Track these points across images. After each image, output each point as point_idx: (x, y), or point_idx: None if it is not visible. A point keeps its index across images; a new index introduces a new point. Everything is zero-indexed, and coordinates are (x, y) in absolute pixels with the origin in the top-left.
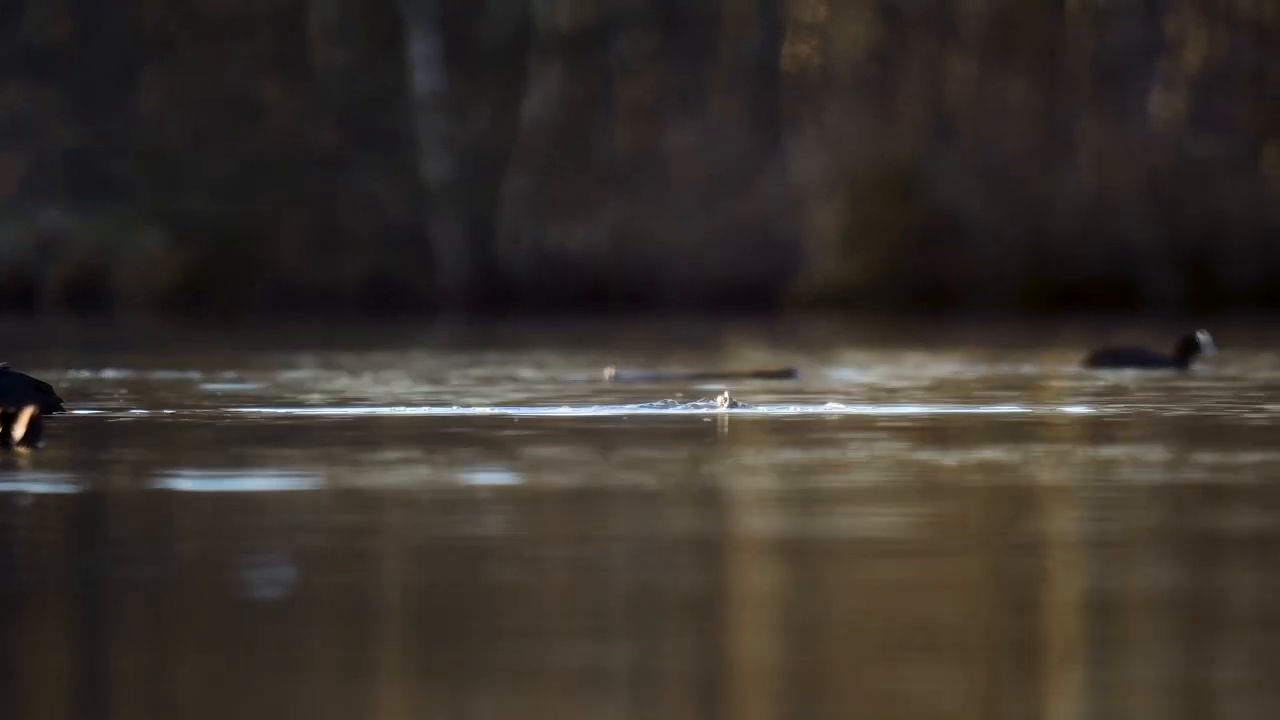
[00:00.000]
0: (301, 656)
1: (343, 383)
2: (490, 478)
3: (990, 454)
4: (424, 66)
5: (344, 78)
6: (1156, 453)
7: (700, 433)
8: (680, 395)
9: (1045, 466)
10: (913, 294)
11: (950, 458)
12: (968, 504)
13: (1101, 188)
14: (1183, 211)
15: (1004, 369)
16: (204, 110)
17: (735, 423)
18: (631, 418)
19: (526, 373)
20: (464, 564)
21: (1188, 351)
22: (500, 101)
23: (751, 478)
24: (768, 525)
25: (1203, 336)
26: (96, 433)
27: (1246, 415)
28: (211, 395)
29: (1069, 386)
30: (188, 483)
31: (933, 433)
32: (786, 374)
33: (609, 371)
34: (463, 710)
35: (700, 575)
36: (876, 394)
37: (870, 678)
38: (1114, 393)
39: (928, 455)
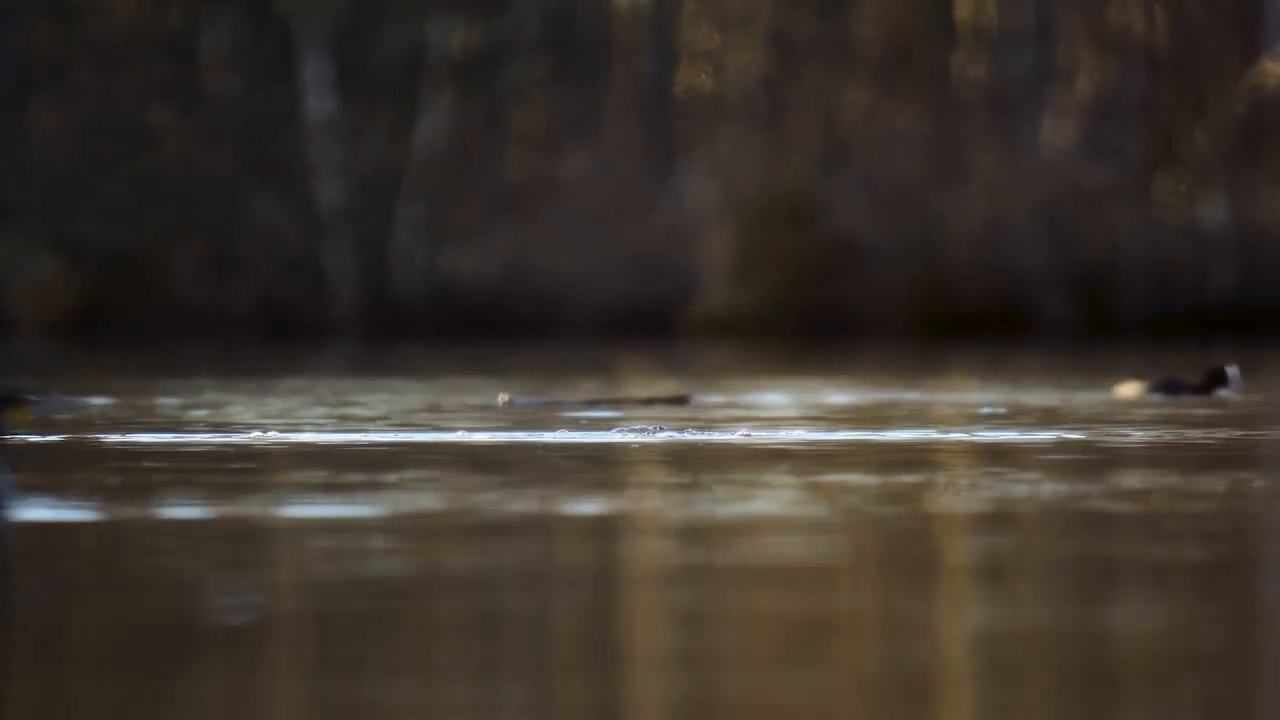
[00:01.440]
0: (189, 691)
1: (232, 408)
2: (377, 509)
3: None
4: (317, 92)
5: (237, 103)
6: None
7: (607, 459)
8: (625, 422)
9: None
10: (806, 320)
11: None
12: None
13: (994, 215)
14: (1075, 239)
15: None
16: (97, 135)
17: (649, 450)
18: (544, 445)
19: (419, 399)
20: (353, 596)
21: (1214, 383)
22: (393, 127)
23: (649, 505)
24: (671, 554)
25: (1230, 370)
26: None
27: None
28: (97, 420)
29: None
30: (60, 513)
31: (845, 457)
32: (681, 400)
33: (503, 398)
34: None
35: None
36: (776, 420)
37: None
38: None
39: (840, 480)
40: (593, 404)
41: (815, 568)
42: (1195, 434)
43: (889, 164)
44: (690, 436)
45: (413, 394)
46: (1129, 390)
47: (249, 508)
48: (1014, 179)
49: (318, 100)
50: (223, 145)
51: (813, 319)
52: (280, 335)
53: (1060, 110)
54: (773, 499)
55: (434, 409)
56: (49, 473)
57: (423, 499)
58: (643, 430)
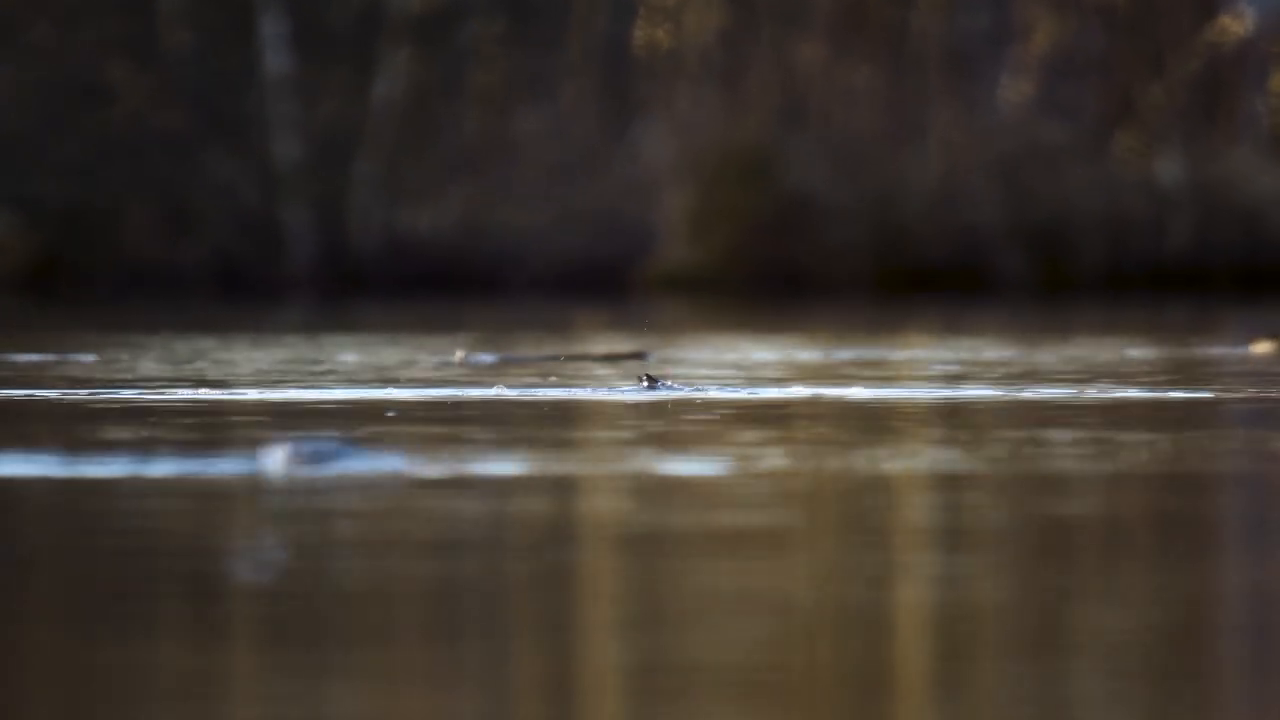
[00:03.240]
0: (151, 661)
1: (192, 365)
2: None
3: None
4: (273, 49)
5: (193, 60)
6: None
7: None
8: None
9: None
10: (763, 278)
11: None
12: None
13: (951, 172)
14: (1032, 196)
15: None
16: (52, 93)
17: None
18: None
19: (376, 355)
20: (314, 560)
21: None
22: (350, 85)
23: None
24: (624, 514)
25: None
26: None
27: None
28: (56, 377)
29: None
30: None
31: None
32: (638, 356)
33: (460, 354)
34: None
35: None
36: (735, 377)
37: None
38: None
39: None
40: (550, 360)
41: (772, 530)
42: None
43: (846, 121)
44: (657, 394)
45: (369, 351)
46: (1264, 348)
47: (215, 465)
48: (971, 136)
49: (274, 57)
50: (179, 102)
51: (769, 276)
52: (236, 293)
53: (1017, 67)
54: (727, 457)
55: (385, 366)
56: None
57: (388, 459)
58: (641, 385)
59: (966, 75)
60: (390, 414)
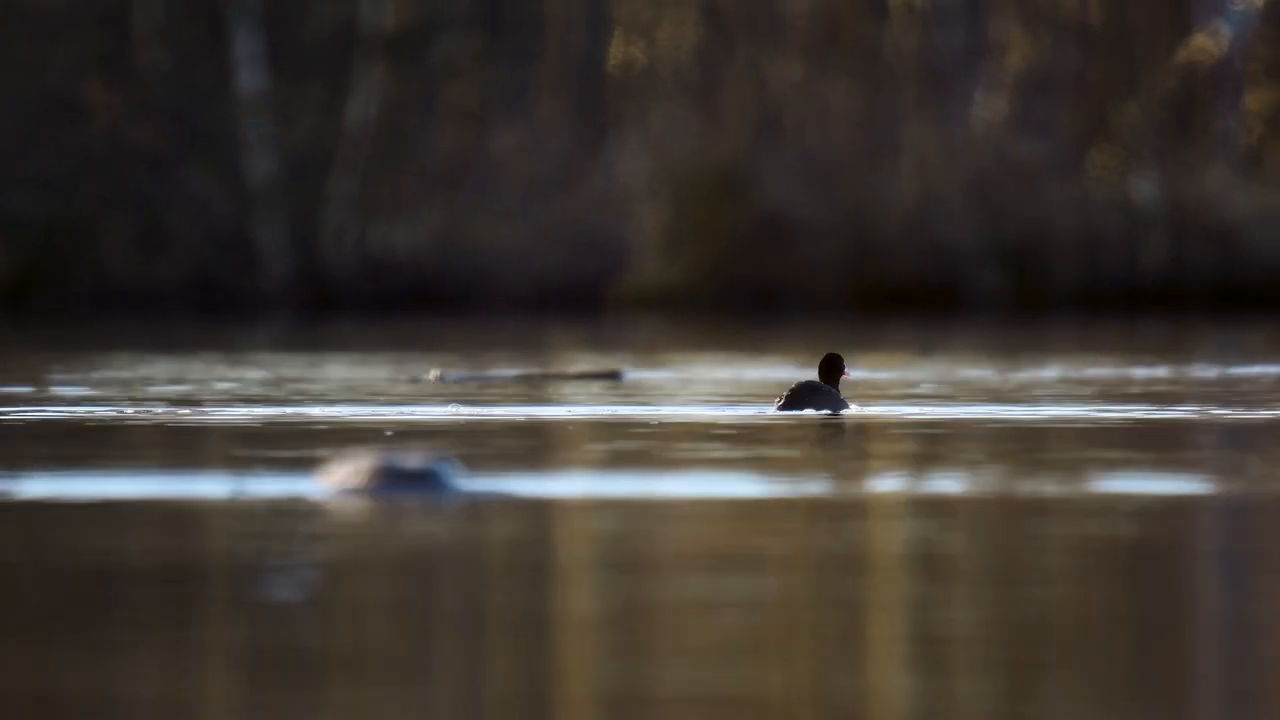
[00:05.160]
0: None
1: (165, 384)
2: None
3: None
4: (248, 66)
5: (168, 78)
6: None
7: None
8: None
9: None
10: (737, 295)
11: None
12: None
13: (925, 190)
14: (1006, 214)
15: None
16: (28, 109)
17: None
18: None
19: (350, 373)
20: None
21: None
22: (324, 102)
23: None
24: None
25: None
26: None
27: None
28: (19, 396)
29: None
30: None
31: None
32: (613, 375)
33: (434, 373)
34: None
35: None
36: (707, 396)
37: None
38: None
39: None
40: (525, 379)
41: (750, 554)
42: None
43: (821, 138)
44: (623, 411)
45: (344, 368)
46: None
47: (196, 487)
48: (946, 154)
49: (249, 75)
50: (154, 120)
51: (744, 293)
52: (211, 310)
53: (992, 85)
54: (702, 476)
55: (360, 385)
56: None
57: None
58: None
59: (941, 93)
60: (388, 433)
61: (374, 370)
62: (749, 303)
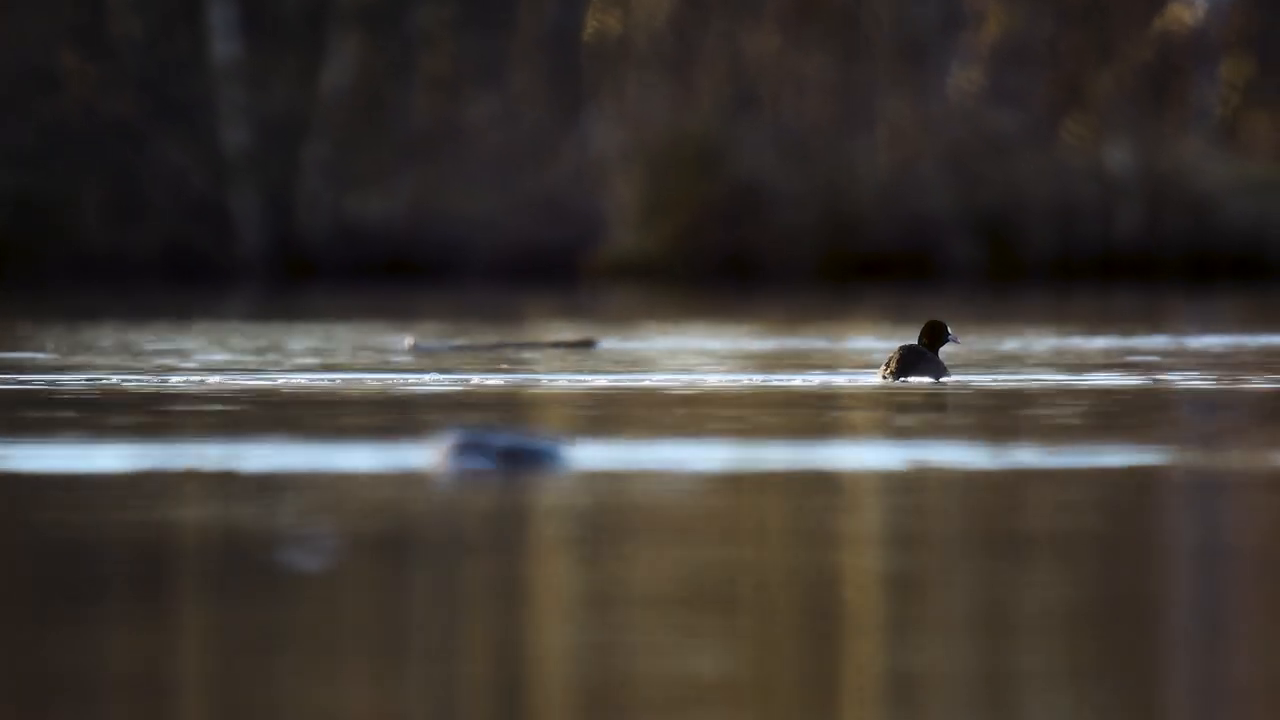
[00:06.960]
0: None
1: (141, 352)
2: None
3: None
4: (222, 35)
5: (143, 47)
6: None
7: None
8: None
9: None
10: (712, 265)
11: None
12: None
13: (900, 160)
14: (981, 184)
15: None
16: (2, 79)
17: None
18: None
19: (325, 342)
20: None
21: None
22: (299, 71)
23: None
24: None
25: None
26: None
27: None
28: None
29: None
30: None
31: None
32: (587, 344)
33: (408, 341)
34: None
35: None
36: (684, 365)
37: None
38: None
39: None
40: (499, 348)
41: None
42: None
43: (796, 109)
44: (598, 381)
45: (317, 337)
46: None
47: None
48: (921, 124)
49: (223, 44)
50: (129, 89)
51: (719, 263)
52: (186, 279)
53: (967, 55)
54: (678, 446)
55: (332, 353)
56: None
57: (345, 453)
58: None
59: (917, 63)
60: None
61: (350, 338)
62: (724, 272)
